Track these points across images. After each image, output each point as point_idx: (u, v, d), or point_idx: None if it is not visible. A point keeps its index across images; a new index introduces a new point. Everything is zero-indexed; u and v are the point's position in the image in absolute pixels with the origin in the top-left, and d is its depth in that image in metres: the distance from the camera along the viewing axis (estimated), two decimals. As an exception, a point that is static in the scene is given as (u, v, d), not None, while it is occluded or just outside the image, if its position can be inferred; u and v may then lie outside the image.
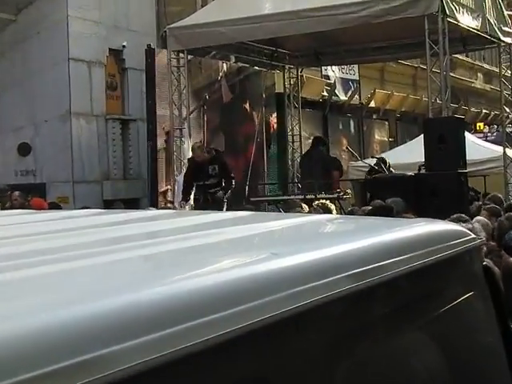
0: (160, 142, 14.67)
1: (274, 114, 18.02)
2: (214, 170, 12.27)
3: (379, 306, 1.67)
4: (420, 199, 11.00)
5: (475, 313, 2.19)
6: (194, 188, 12.45)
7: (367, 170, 14.71)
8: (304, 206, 9.87)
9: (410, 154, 14.48)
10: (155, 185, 14.45)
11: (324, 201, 9.30)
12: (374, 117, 22.94)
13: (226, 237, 1.83)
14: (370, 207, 8.75)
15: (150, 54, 14.37)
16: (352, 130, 22.14)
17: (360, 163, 16.32)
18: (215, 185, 12.23)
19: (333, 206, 9.09)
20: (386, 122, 23.57)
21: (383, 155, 15.87)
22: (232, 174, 12.64)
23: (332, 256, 1.58)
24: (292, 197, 13.20)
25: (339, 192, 13.36)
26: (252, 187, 15.88)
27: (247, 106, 17.09)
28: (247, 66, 16.81)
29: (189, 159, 13.21)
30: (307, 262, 1.49)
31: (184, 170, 13.21)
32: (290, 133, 17.74)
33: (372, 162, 14.83)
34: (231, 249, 1.71)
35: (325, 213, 7.81)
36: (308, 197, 12.57)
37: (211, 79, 16.04)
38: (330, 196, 12.45)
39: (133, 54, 14.69)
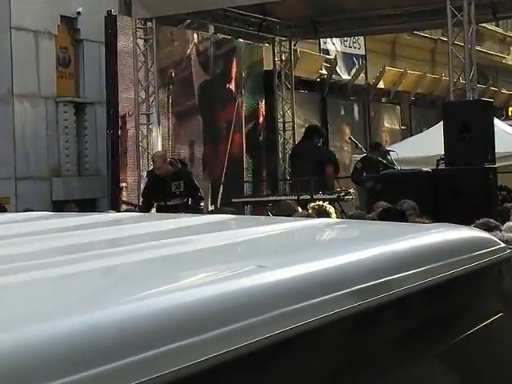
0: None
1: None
2: (179, 188, 12.10)
3: (388, 328, 1.67)
4: (439, 200, 11.03)
5: (505, 337, 2.20)
6: (153, 208, 12.30)
7: (359, 157, 14.73)
8: (299, 209, 9.87)
9: (427, 146, 14.49)
10: (117, 183, 14.39)
11: (321, 202, 9.30)
12: (384, 100, 22.98)
13: (202, 245, 1.82)
14: (379, 209, 8.77)
15: (110, 22, 14.32)
16: (356, 115, 22.17)
17: (365, 156, 16.33)
18: (180, 206, 11.94)
19: (332, 209, 9.10)
20: (398, 107, 23.62)
21: (395, 146, 15.91)
22: (200, 193, 12.55)
23: (331, 269, 1.58)
24: (283, 197, 13.19)
25: (340, 192, 13.37)
26: (230, 185, 15.84)
27: (232, 86, 17.01)
28: (229, 37, 16.79)
29: (148, 172, 13.20)
30: (301, 275, 1.49)
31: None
32: (280, 119, 17.70)
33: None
34: (208, 260, 1.71)
35: (322, 217, 7.81)
36: (302, 197, 12.57)
37: (180, 54, 15.96)
38: (329, 197, 12.48)
39: (90, 22, 14.64)
